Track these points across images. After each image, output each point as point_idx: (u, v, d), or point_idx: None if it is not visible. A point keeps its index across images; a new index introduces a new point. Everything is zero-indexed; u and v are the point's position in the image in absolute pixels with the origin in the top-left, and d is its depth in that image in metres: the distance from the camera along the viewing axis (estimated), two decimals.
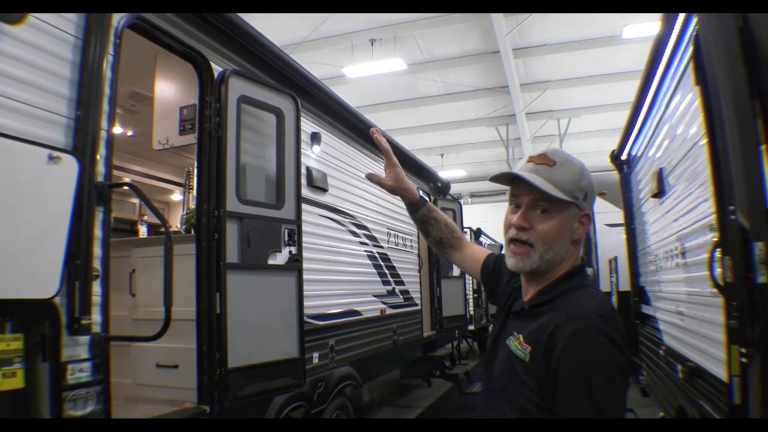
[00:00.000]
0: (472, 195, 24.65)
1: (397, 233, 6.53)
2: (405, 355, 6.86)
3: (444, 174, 9.90)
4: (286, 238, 3.73)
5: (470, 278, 10.67)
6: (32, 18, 2.23)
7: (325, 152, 4.80)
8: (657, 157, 4.02)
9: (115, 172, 2.76)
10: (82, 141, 2.40)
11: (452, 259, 1.99)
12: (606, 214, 8.35)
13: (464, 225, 9.68)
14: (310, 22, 11.58)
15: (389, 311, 5.95)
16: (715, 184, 2.47)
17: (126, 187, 2.98)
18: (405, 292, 6.56)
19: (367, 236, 5.59)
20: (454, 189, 10.56)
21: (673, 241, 3.66)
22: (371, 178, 1.89)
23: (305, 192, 4.25)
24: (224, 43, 3.61)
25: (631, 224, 5.51)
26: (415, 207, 1.93)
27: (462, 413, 7.23)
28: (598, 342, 1.19)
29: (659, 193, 3.91)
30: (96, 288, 2.45)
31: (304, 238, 4.00)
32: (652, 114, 4.19)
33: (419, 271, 7.34)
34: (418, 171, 7.68)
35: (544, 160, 1.36)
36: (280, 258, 3.68)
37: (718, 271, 2.39)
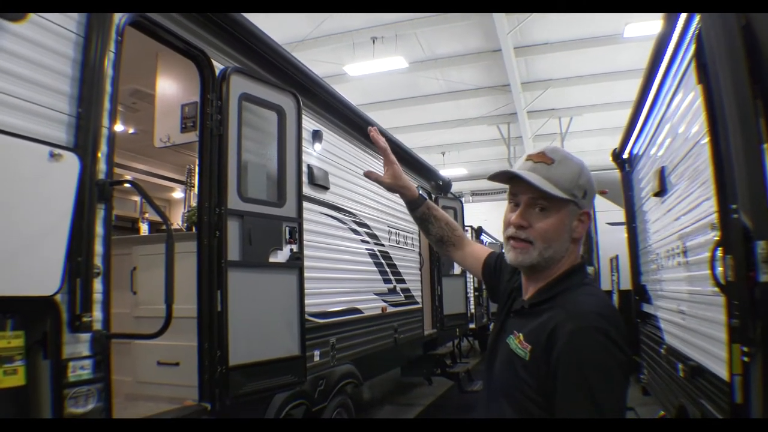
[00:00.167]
0: (473, 193, 24.64)
1: (398, 231, 6.53)
2: (406, 353, 6.86)
3: (445, 172, 9.91)
4: (288, 236, 3.73)
5: (471, 276, 10.67)
6: (34, 15, 2.23)
7: (326, 150, 4.80)
8: (658, 155, 4.01)
9: (117, 170, 2.77)
10: (83, 138, 2.40)
11: (453, 257, 1.99)
12: (607, 212, 8.35)
13: (465, 223, 9.68)
14: (311, 20, 11.57)
15: (390, 309, 5.95)
16: (717, 183, 2.46)
17: (127, 185, 2.98)
18: (406, 290, 6.56)
19: (368, 234, 5.59)
20: (455, 187, 10.56)
21: (674, 240, 3.66)
22: (369, 175, 1.89)
23: (306, 190, 4.25)
24: (226, 41, 3.61)
25: (633, 223, 5.50)
26: (414, 205, 1.93)
27: (463, 412, 7.23)
28: (597, 340, 1.19)
29: (661, 191, 3.90)
30: (97, 285, 2.44)
31: (306, 236, 4.00)
32: (653, 113, 4.18)
33: (420, 270, 7.34)
34: (419, 169, 7.67)
35: (542, 158, 1.36)
36: (282, 256, 3.68)
37: (719, 269, 2.38)
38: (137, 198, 7.26)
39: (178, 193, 7.57)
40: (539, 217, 1.34)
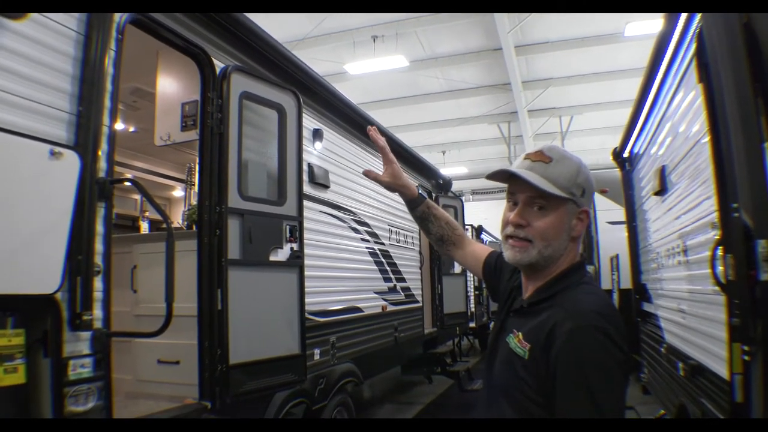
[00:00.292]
0: (474, 192, 24.65)
1: (398, 230, 6.53)
2: (406, 352, 6.87)
3: (445, 171, 9.90)
4: (288, 235, 3.73)
5: (471, 275, 10.67)
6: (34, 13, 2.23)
7: (326, 149, 4.80)
8: (659, 154, 4.01)
9: (117, 168, 2.76)
10: (83, 137, 2.40)
11: (454, 256, 1.99)
12: (608, 211, 8.34)
13: (466, 222, 9.68)
14: (312, 19, 11.57)
15: (390, 308, 5.95)
16: (718, 182, 2.46)
17: (128, 183, 2.98)
18: (406, 289, 6.56)
19: (368, 233, 5.59)
20: (456, 186, 10.56)
21: (675, 239, 3.66)
22: (368, 174, 1.89)
23: (307, 188, 4.24)
24: (226, 40, 3.60)
25: (633, 222, 5.50)
26: (413, 204, 1.93)
27: (463, 410, 7.24)
28: (596, 339, 1.18)
29: (661, 190, 3.90)
30: (97, 284, 2.45)
31: (306, 235, 4.00)
32: (654, 111, 4.18)
33: (420, 268, 7.34)
34: (419, 168, 7.67)
35: (540, 157, 1.36)
36: (282, 254, 3.68)
37: (720, 268, 2.38)
38: (138, 196, 7.25)
39: (178, 192, 7.56)
40: (537, 216, 1.34)
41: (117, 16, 2.63)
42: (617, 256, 7.57)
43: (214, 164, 3.30)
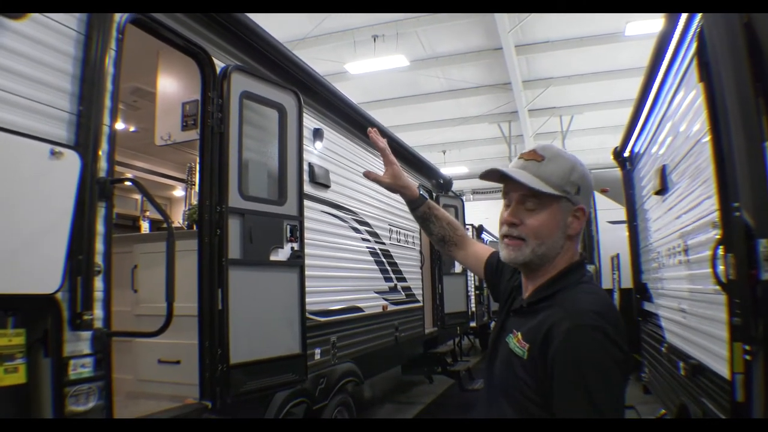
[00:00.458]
0: (474, 192, 24.63)
1: (399, 230, 6.53)
2: (407, 351, 6.86)
3: (446, 171, 9.89)
4: (288, 235, 3.73)
5: (472, 275, 10.67)
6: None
7: (327, 148, 4.80)
8: (660, 154, 4.01)
9: (118, 168, 2.76)
10: (84, 136, 2.40)
11: (456, 257, 1.99)
12: (608, 211, 8.34)
13: (466, 222, 9.68)
14: (312, 19, 11.58)
15: (391, 308, 5.95)
16: (719, 181, 2.46)
17: (128, 183, 2.98)
18: (407, 289, 6.56)
19: (369, 233, 5.59)
20: (456, 186, 10.56)
21: (675, 239, 3.66)
22: (369, 175, 1.89)
23: (307, 188, 4.24)
24: (227, 39, 3.60)
25: (634, 221, 5.50)
26: (414, 204, 1.93)
27: (463, 410, 7.24)
28: (593, 339, 1.18)
29: (662, 190, 3.90)
30: (98, 283, 2.45)
31: (306, 235, 4.00)
32: (655, 111, 4.17)
33: (421, 268, 7.33)
34: (420, 168, 7.67)
35: (533, 156, 1.37)
36: (282, 254, 3.68)
37: (720, 268, 2.38)
38: (138, 196, 7.25)
39: (179, 191, 7.57)
40: (530, 214, 1.35)
41: (117, 16, 2.63)
42: (618, 256, 7.57)
43: (214, 164, 3.30)
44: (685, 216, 3.34)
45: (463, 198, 9.45)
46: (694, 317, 3.25)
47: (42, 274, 2.16)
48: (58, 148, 2.24)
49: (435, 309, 7.84)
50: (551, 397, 1.21)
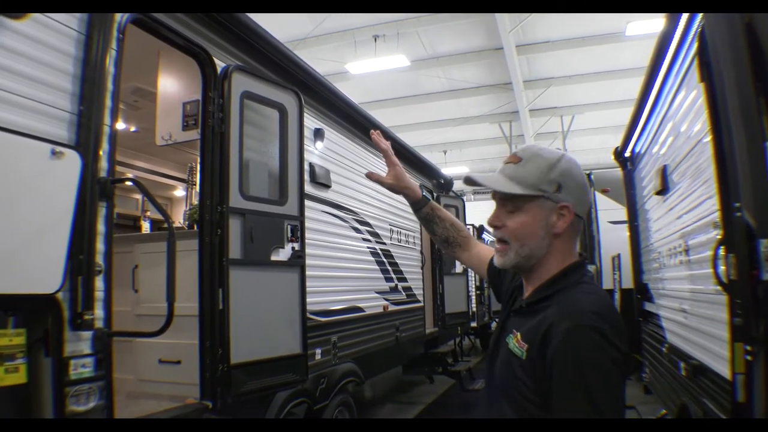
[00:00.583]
0: (475, 192, 24.58)
1: (399, 230, 6.53)
2: (407, 351, 6.86)
3: (447, 171, 9.89)
4: (289, 235, 3.73)
5: (473, 275, 10.67)
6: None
7: (328, 148, 4.80)
8: (661, 154, 4.01)
9: (118, 168, 2.76)
10: (84, 136, 2.40)
11: (460, 258, 1.99)
12: (609, 211, 8.34)
13: (467, 222, 9.67)
14: (313, 19, 11.59)
15: (392, 308, 5.95)
16: (720, 181, 2.45)
17: (129, 183, 2.98)
18: (407, 289, 6.56)
19: (369, 233, 5.58)
20: (457, 186, 10.55)
21: (676, 239, 3.65)
22: (371, 177, 1.90)
23: (308, 188, 4.24)
24: (227, 39, 3.60)
25: (635, 221, 5.49)
26: (417, 206, 1.94)
27: (464, 410, 7.23)
28: (591, 339, 1.18)
29: (663, 190, 3.89)
30: (99, 283, 2.45)
31: (307, 235, 4.00)
32: (656, 111, 4.17)
33: (422, 268, 7.33)
34: (420, 168, 7.67)
35: (512, 158, 1.41)
36: (283, 254, 3.68)
37: (722, 268, 2.38)
38: (139, 196, 7.25)
39: (179, 191, 7.57)
40: (510, 216, 1.38)
41: (118, 16, 2.63)
42: (619, 256, 7.56)
43: (215, 164, 3.30)
44: (686, 216, 3.34)
45: (464, 198, 9.44)
46: (695, 317, 3.25)
47: (43, 273, 2.16)
48: (58, 148, 2.24)
49: (436, 309, 7.84)
50: (550, 397, 1.20)
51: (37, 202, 2.16)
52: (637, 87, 4.41)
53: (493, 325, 12.08)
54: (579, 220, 1.39)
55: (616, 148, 5.67)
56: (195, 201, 5.23)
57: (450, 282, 8.12)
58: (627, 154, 5.54)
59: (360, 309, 5.16)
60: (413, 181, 1.93)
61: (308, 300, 3.88)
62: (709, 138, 2.58)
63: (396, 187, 1.88)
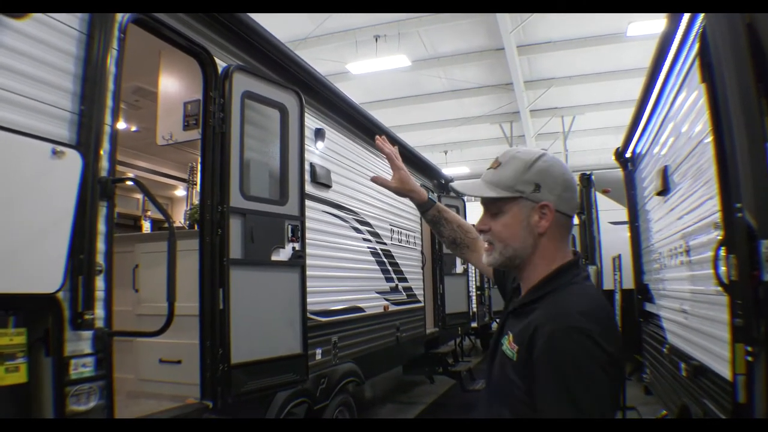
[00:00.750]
0: None
1: (400, 230, 6.53)
2: (408, 351, 6.86)
3: (447, 171, 9.89)
4: (290, 235, 3.73)
5: (473, 275, 10.66)
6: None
7: (328, 148, 4.80)
8: (662, 154, 4.00)
9: (119, 168, 2.76)
10: (85, 136, 2.40)
11: (469, 260, 2.01)
12: (610, 211, 8.33)
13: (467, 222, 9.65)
14: (314, 19, 11.58)
15: (392, 308, 5.95)
16: (721, 182, 2.45)
17: (129, 183, 2.98)
18: (408, 289, 6.56)
19: (370, 233, 5.58)
20: None
21: (677, 239, 3.65)
22: (376, 180, 1.93)
23: (309, 188, 4.24)
24: (228, 39, 3.60)
25: (635, 222, 5.50)
26: (424, 208, 1.96)
27: (464, 410, 7.23)
28: (574, 340, 1.17)
29: (664, 190, 3.89)
30: (99, 283, 2.45)
31: (308, 235, 4.00)
32: (657, 111, 4.17)
33: (422, 268, 7.33)
34: (421, 168, 7.67)
35: (493, 163, 1.44)
36: (284, 254, 3.68)
37: (722, 269, 2.38)
38: (139, 196, 7.25)
39: (180, 191, 7.57)
40: (494, 219, 1.41)
41: (119, 16, 2.63)
42: (619, 257, 7.55)
43: (216, 164, 3.30)
44: (687, 217, 3.34)
45: (465, 198, 9.44)
46: (695, 318, 3.25)
47: (43, 273, 2.16)
48: (59, 148, 2.24)
49: (436, 309, 7.84)
50: (535, 398, 1.20)
51: (37, 201, 2.16)
52: (638, 88, 4.41)
53: (494, 325, 12.08)
54: (566, 218, 1.39)
55: (617, 148, 5.67)
56: (196, 201, 5.24)
57: (450, 282, 8.12)
58: (628, 154, 5.54)
59: (360, 309, 5.16)
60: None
61: (309, 300, 3.88)
62: (710, 139, 2.58)
63: (401, 190, 1.90)
